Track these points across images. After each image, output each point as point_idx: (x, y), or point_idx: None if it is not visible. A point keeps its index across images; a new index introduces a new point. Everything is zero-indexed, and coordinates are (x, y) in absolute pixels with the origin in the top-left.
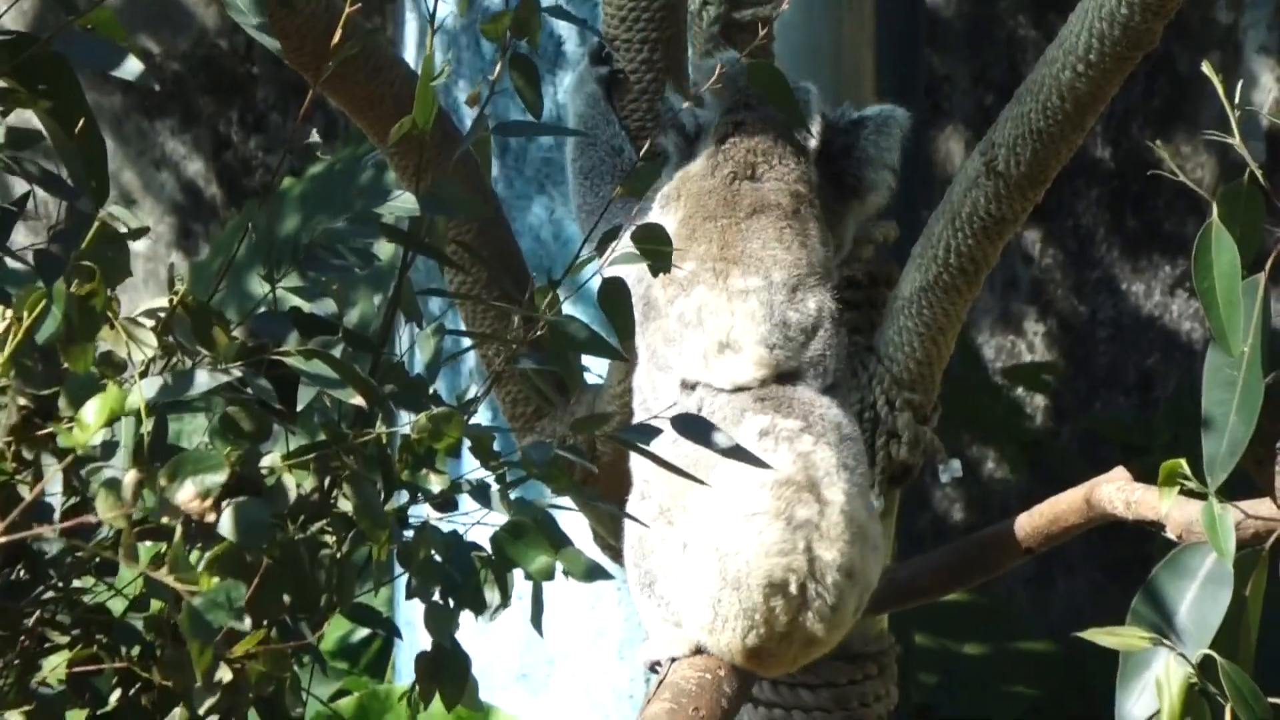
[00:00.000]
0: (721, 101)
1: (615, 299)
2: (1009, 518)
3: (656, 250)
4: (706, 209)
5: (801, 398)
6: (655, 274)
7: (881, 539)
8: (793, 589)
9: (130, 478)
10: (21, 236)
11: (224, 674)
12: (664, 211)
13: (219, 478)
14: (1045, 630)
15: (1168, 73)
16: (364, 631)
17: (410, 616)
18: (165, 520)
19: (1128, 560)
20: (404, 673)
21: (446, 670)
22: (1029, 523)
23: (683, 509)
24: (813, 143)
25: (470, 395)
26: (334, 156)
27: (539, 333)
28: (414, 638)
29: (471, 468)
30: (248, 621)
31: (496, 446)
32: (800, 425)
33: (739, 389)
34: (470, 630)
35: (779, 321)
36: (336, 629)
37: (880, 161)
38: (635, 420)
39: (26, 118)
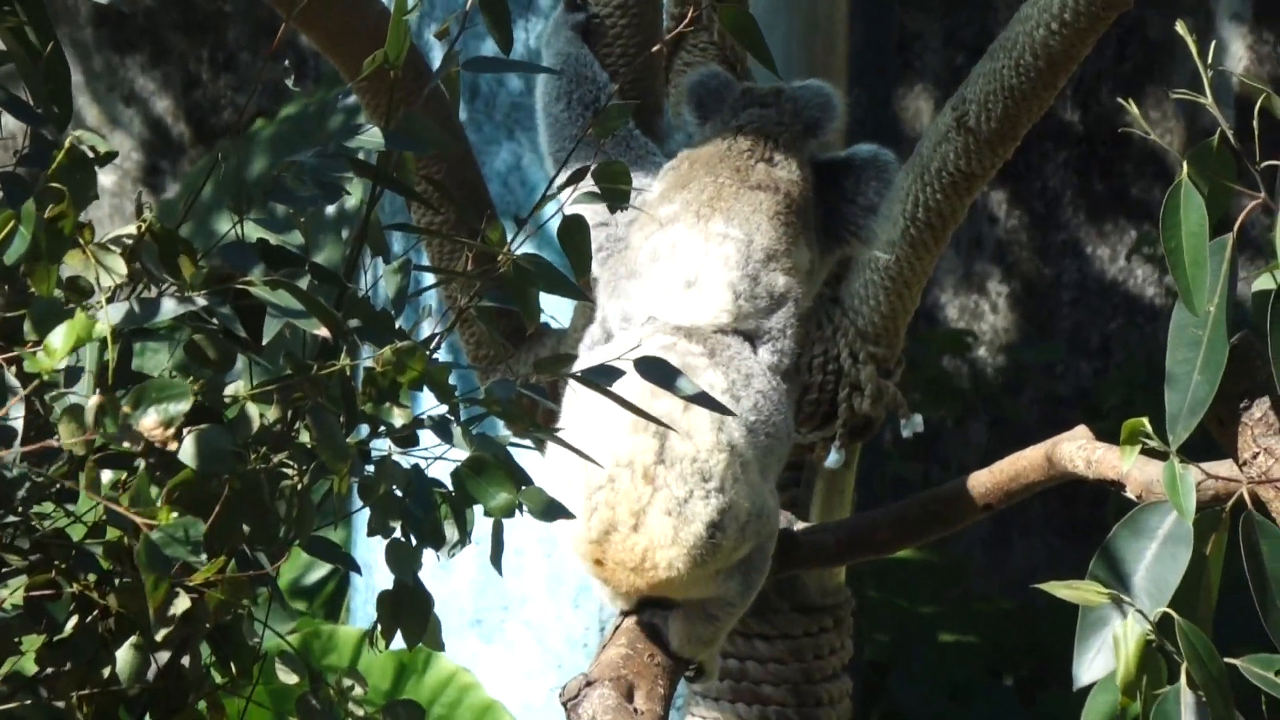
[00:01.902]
0: (739, 86)
1: (574, 236)
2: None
3: (615, 189)
4: (711, 167)
5: (736, 350)
6: (612, 212)
7: (768, 507)
8: (638, 468)
9: (93, 403)
10: None
11: (181, 604)
12: (664, 175)
13: (182, 406)
14: (1001, 590)
15: (1139, 37)
16: (319, 572)
17: (367, 558)
18: (127, 446)
19: (1085, 523)
20: (359, 615)
21: (409, 608)
22: (989, 479)
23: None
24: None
25: (428, 333)
26: (306, 99)
27: (500, 270)
28: (371, 580)
29: (433, 404)
30: (204, 557)
31: (455, 383)
32: (704, 354)
33: (693, 330)
34: (424, 575)
35: (750, 274)
36: (291, 569)
37: (884, 214)
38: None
39: None
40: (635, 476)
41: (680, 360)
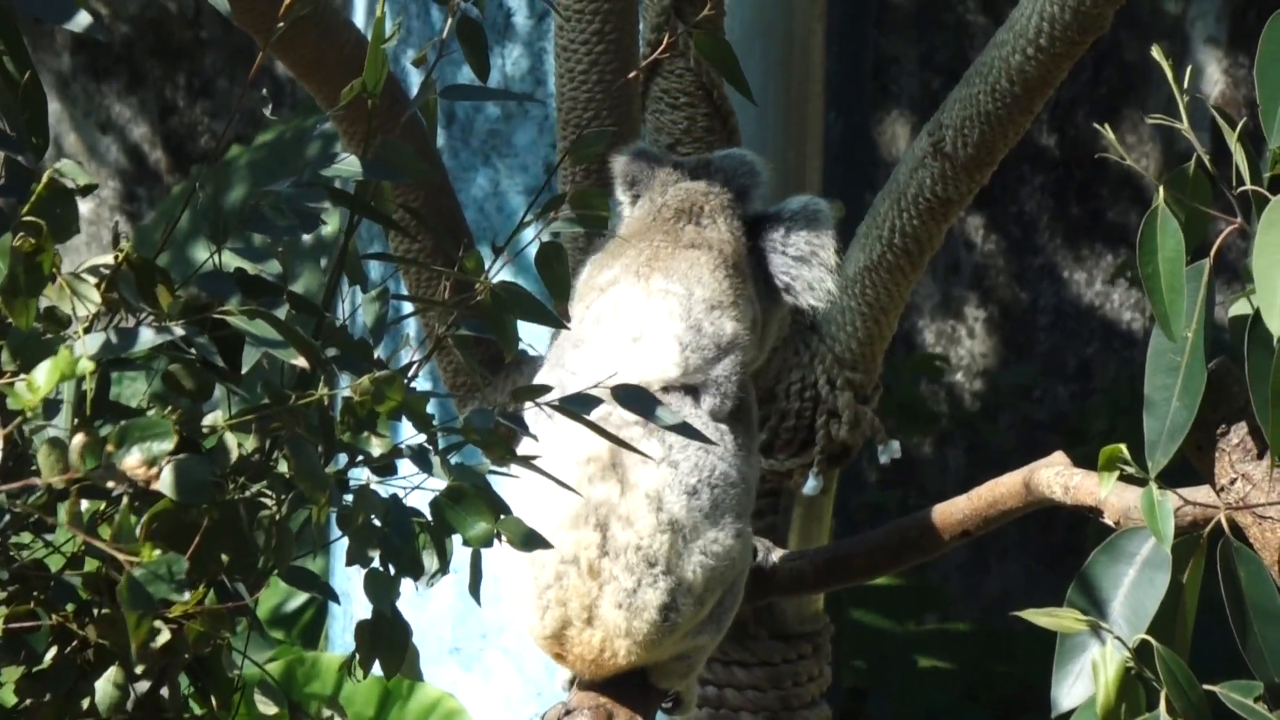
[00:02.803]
0: (669, 161)
1: (552, 262)
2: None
3: (593, 215)
4: (643, 234)
5: (676, 408)
6: (590, 237)
7: (731, 552)
8: (583, 564)
9: (77, 442)
10: None
11: (161, 635)
12: (598, 254)
13: (166, 445)
14: (978, 616)
15: (1115, 61)
16: (297, 601)
17: (345, 587)
18: (110, 486)
19: (1061, 548)
20: (337, 643)
21: (386, 638)
22: (967, 505)
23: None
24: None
25: (405, 361)
26: (283, 125)
27: (479, 298)
28: (349, 608)
29: (412, 433)
30: (187, 595)
31: (433, 411)
32: (639, 422)
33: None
34: (403, 603)
35: (694, 325)
36: (270, 597)
37: (819, 263)
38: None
39: None
40: (581, 572)
41: (616, 431)
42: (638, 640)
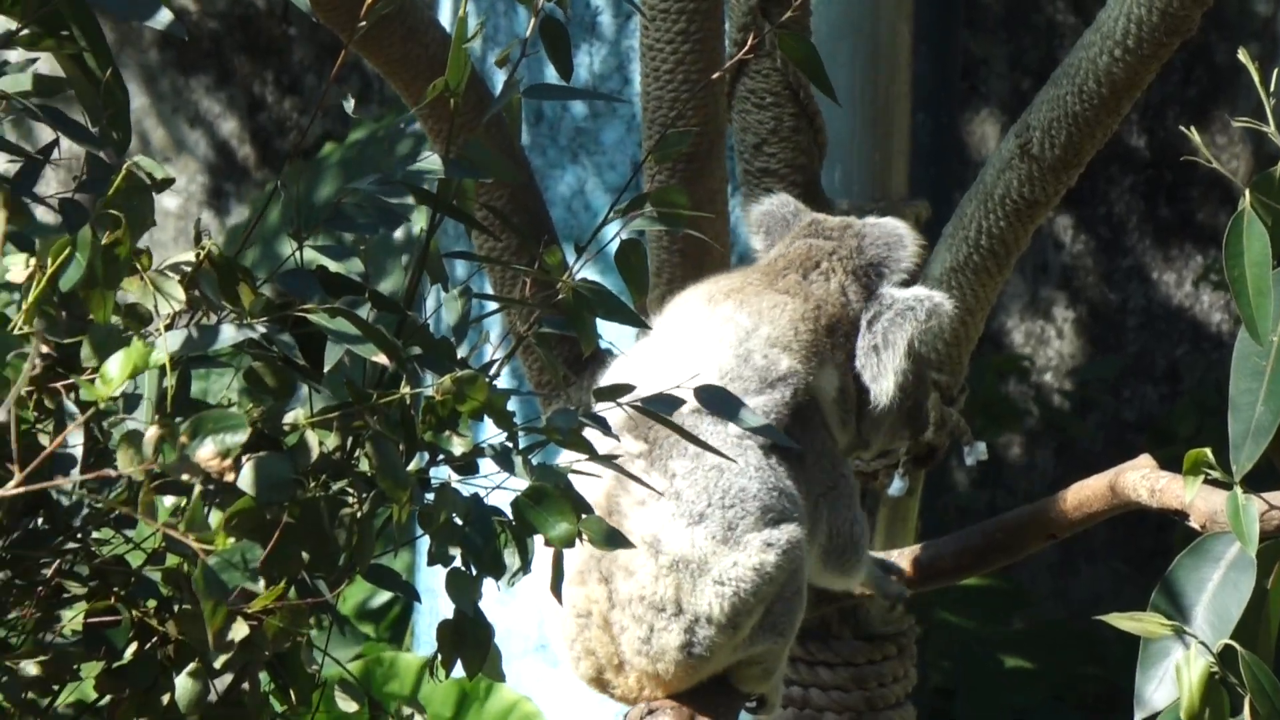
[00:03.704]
0: (808, 215)
1: (631, 258)
2: (1033, 502)
3: (674, 213)
4: (744, 272)
5: (690, 425)
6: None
7: (763, 568)
8: (596, 618)
9: (151, 434)
10: (49, 186)
11: (240, 630)
12: (703, 282)
13: (239, 437)
14: (1066, 617)
15: (1205, 62)
16: (384, 596)
17: (431, 584)
18: (185, 478)
19: (1150, 550)
20: (423, 639)
21: (468, 638)
22: (1053, 508)
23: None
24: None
25: (487, 360)
26: (375, 124)
27: (560, 296)
28: (434, 605)
29: (494, 432)
30: (261, 584)
31: (515, 410)
32: (643, 453)
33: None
34: (489, 600)
35: (743, 355)
36: (357, 593)
37: (883, 355)
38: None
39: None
40: (594, 626)
41: (639, 447)
42: (667, 680)
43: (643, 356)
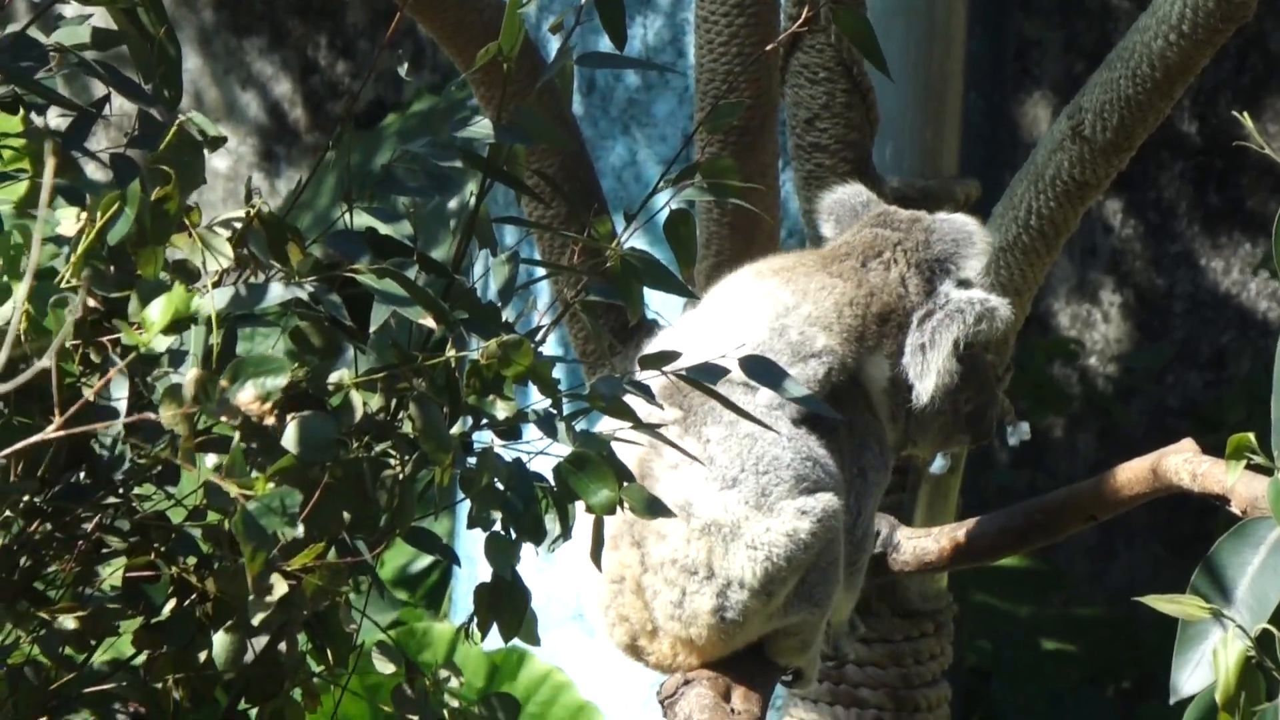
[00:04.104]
0: (879, 206)
1: (679, 228)
2: (1078, 483)
3: (724, 184)
4: (800, 254)
5: (725, 393)
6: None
7: (796, 535)
8: (629, 583)
9: (192, 376)
10: (99, 144)
11: (279, 589)
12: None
13: (279, 381)
14: (1103, 600)
15: (1259, 50)
16: (422, 563)
17: (470, 551)
18: (225, 420)
19: (1189, 536)
20: (460, 606)
21: (505, 602)
22: (1095, 489)
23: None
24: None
25: (533, 326)
26: (438, 98)
27: (608, 264)
28: (472, 572)
29: (538, 398)
30: (300, 529)
31: (560, 377)
32: (678, 416)
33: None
34: (527, 567)
35: (778, 329)
36: (396, 558)
37: (928, 355)
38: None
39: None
40: (627, 591)
41: (651, 420)
42: (701, 645)
43: (684, 329)
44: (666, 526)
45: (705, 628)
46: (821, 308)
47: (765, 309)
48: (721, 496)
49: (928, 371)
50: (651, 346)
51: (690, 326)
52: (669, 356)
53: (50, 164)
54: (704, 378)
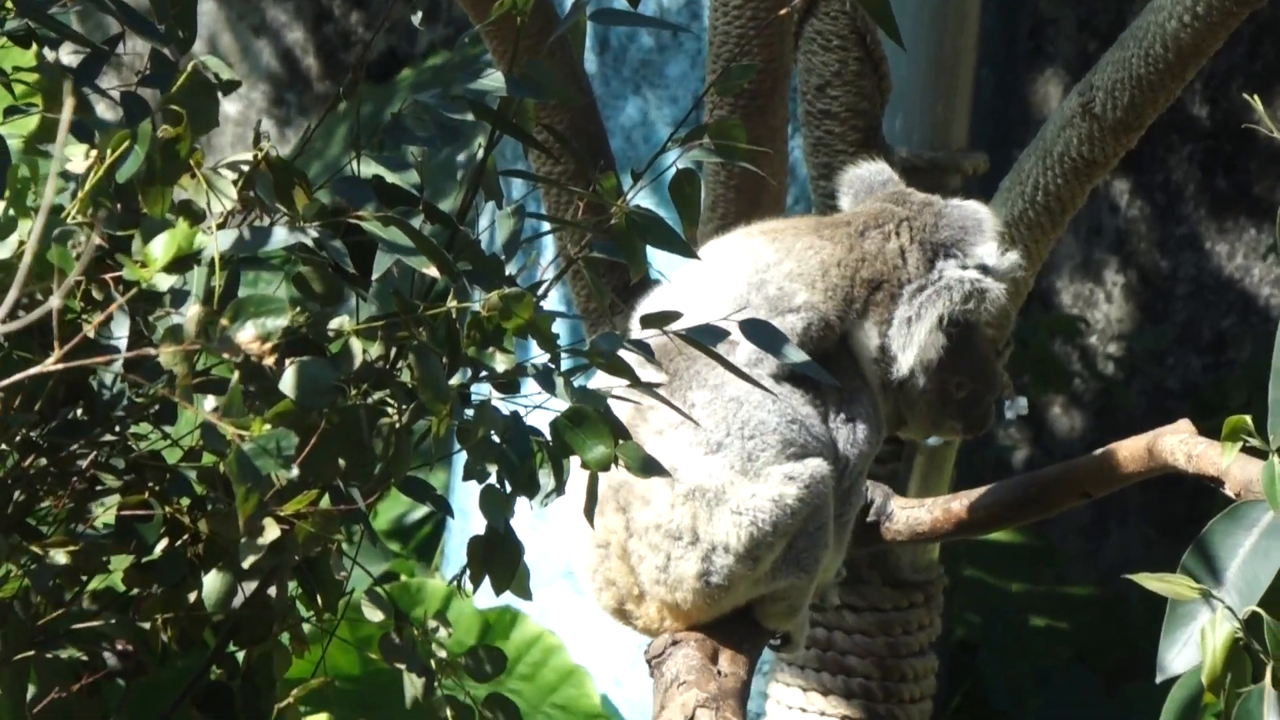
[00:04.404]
0: (896, 184)
1: (684, 187)
2: (1073, 459)
3: (731, 146)
4: (800, 217)
5: (708, 359)
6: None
7: (783, 500)
8: (614, 548)
9: (193, 313)
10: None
11: (271, 532)
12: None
13: (280, 321)
14: (1094, 578)
15: (1273, 35)
16: (416, 515)
17: (464, 504)
18: (225, 358)
19: (1182, 517)
20: (452, 560)
21: (498, 555)
22: (1089, 466)
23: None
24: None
25: (536, 280)
26: (452, 52)
27: (613, 222)
28: (465, 526)
29: (539, 353)
30: (295, 471)
31: (559, 333)
32: (663, 380)
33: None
34: (520, 524)
35: (757, 284)
36: (390, 509)
37: (911, 329)
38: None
39: None
40: (613, 556)
41: (658, 377)
42: (687, 609)
43: (671, 288)
44: (651, 492)
45: (690, 592)
46: (805, 265)
47: (746, 265)
48: (706, 461)
49: (910, 344)
50: (641, 306)
51: (675, 286)
52: (670, 317)
53: (69, 104)
54: (705, 340)
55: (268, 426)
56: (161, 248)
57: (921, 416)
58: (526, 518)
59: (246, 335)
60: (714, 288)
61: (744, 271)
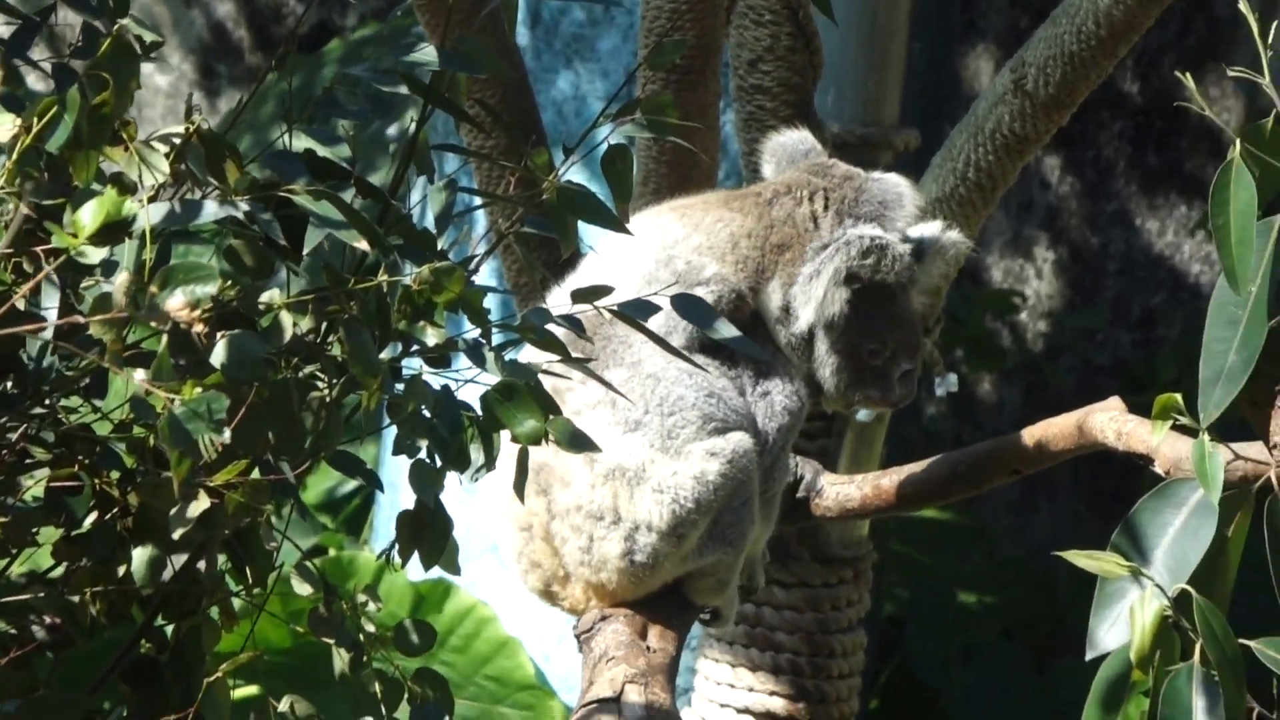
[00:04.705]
0: (820, 155)
1: (616, 163)
2: (1003, 436)
3: (662, 121)
4: (712, 193)
5: (623, 338)
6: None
7: (704, 477)
8: (538, 530)
9: (122, 280)
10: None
11: (200, 504)
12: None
13: (210, 289)
14: (1024, 556)
15: (1205, 13)
16: (345, 489)
17: (394, 478)
18: (154, 326)
19: (1113, 494)
20: (382, 533)
21: (427, 530)
22: (1020, 443)
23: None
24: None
25: (468, 255)
26: (382, 24)
27: (545, 197)
28: (395, 499)
29: (469, 327)
30: (227, 434)
31: (490, 308)
32: (590, 356)
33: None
34: (450, 497)
35: (664, 259)
36: (320, 482)
37: (814, 285)
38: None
39: None
40: (537, 539)
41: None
42: (612, 589)
43: (583, 268)
44: (571, 473)
45: (615, 572)
46: (715, 239)
47: (654, 242)
48: (626, 440)
49: (810, 298)
50: (559, 287)
51: (586, 266)
52: (601, 291)
53: None
54: (636, 315)
55: (199, 390)
56: (90, 215)
57: (837, 384)
58: (456, 492)
59: (176, 302)
60: (622, 266)
61: (652, 249)
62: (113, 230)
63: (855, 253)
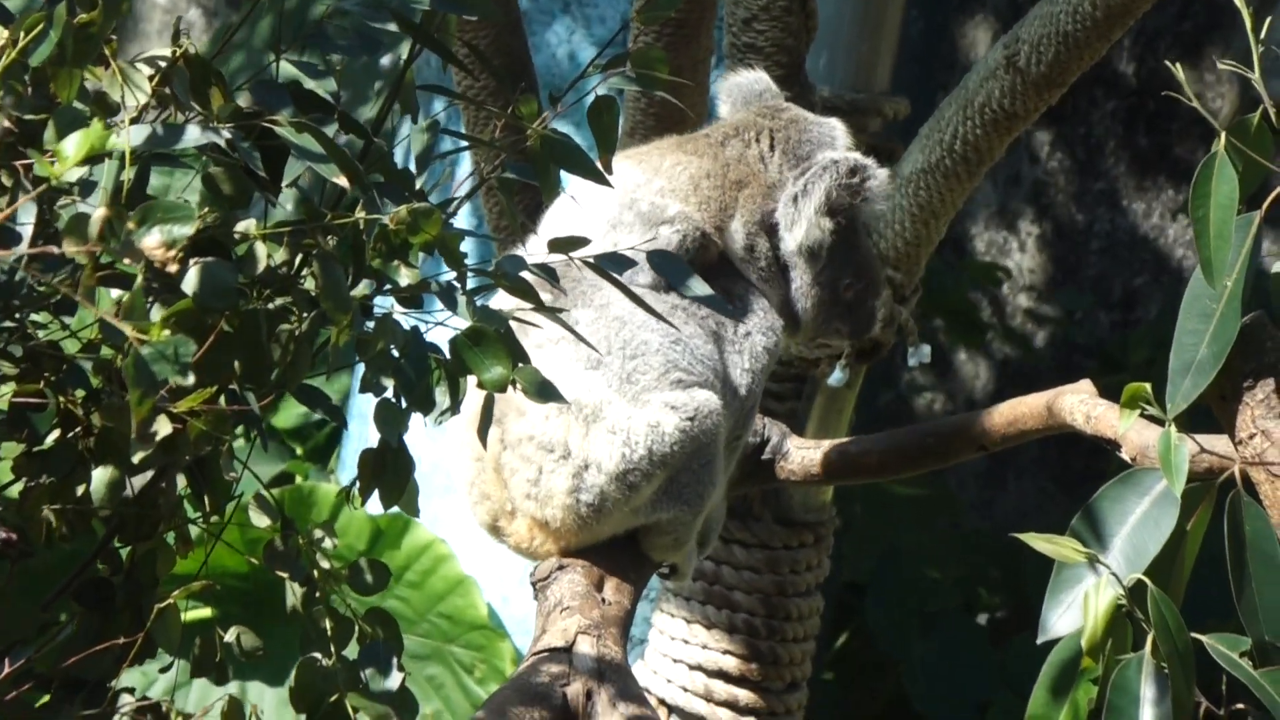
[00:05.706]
0: (767, 100)
1: (602, 114)
2: (972, 412)
3: (653, 75)
4: (668, 139)
5: (592, 281)
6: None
7: (660, 428)
8: (489, 460)
9: (99, 214)
10: None
11: (163, 428)
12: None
13: (186, 230)
14: (989, 529)
15: None
16: (316, 418)
17: (362, 411)
18: (127, 263)
19: (1080, 473)
20: (349, 466)
21: (389, 469)
22: (988, 420)
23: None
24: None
25: (449, 197)
26: None
27: (528, 144)
28: (363, 433)
29: (445, 270)
30: (191, 378)
31: (467, 251)
32: (549, 300)
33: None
34: (414, 435)
35: (627, 203)
36: (295, 406)
37: (803, 208)
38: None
39: None
40: (488, 469)
41: (547, 298)
42: (556, 527)
43: (555, 212)
44: (527, 403)
45: (560, 509)
46: (676, 181)
47: (617, 186)
48: (586, 376)
49: (799, 219)
50: (529, 239)
51: (556, 210)
52: (578, 242)
53: None
54: (611, 267)
55: (167, 332)
56: (74, 146)
57: (811, 315)
58: (420, 431)
59: (152, 241)
60: (586, 212)
61: (614, 194)
62: (94, 155)
63: (843, 172)
